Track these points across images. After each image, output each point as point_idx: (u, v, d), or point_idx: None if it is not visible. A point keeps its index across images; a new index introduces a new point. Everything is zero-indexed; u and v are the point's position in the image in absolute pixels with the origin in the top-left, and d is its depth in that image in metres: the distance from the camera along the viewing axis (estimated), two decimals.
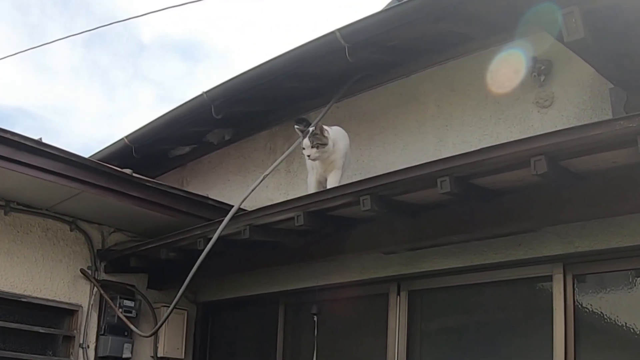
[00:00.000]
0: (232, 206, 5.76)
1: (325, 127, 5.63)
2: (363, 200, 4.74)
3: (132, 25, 36.34)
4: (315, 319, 6.12)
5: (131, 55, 28.83)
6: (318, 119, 6.08)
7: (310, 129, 5.61)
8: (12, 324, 6.13)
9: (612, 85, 4.78)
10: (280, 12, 25.31)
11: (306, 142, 5.59)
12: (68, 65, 25.51)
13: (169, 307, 6.13)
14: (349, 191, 4.87)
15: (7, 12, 21.01)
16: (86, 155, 6.25)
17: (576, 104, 5.09)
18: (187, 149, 8.30)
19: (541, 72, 5.26)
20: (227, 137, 7.85)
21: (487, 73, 5.55)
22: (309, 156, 5.63)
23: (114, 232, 7.00)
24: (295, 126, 5.81)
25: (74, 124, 28.12)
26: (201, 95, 6.83)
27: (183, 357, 7.25)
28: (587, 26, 4.05)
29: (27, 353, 6.21)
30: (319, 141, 5.54)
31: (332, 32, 5.67)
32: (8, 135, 5.35)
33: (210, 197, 6.80)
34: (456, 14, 5.25)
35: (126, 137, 7.88)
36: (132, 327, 6.57)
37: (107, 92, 28.90)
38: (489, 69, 5.54)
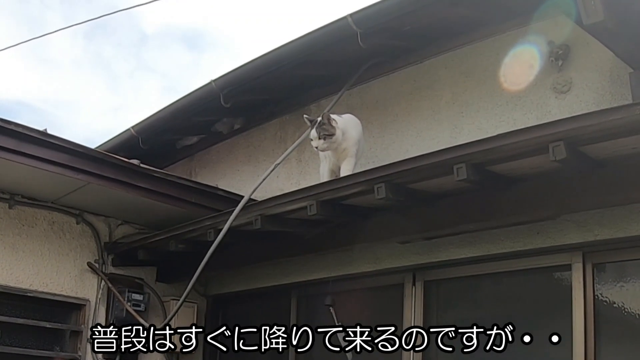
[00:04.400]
0: (242, 196, 5.71)
1: (333, 116, 5.56)
2: (377, 188, 4.68)
3: (134, 15, 36.22)
4: (329, 310, 6.02)
5: (134, 46, 28.82)
6: (329, 107, 6.05)
7: (318, 119, 5.54)
8: (18, 319, 6.10)
9: (632, 70, 4.69)
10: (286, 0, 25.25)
11: (313, 133, 5.54)
12: (69, 57, 25.50)
13: (178, 300, 6.09)
14: (363, 179, 4.82)
15: (6, 1, 20.91)
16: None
17: (595, 89, 5.02)
18: (195, 139, 8.23)
19: (559, 57, 5.19)
20: (236, 127, 7.78)
21: (503, 58, 5.48)
22: (317, 147, 5.58)
23: (121, 224, 6.95)
24: (305, 116, 5.77)
25: (77, 117, 28.03)
26: (209, 83, 6.77)
27: None
28: (607, 8, 3.98)
29: (33, 349, 6.19)
30: (326, 132, 5.47)
31: (344, 18, 5.60)
32: (12, 127, 5.30)
33: (219, 187, 6.76)
34: None
35: (132, 127, 7.82)
36: (141, 320, 6.50)
37: (111, 84, 28.90)
38: (505, 54, 5.47)
